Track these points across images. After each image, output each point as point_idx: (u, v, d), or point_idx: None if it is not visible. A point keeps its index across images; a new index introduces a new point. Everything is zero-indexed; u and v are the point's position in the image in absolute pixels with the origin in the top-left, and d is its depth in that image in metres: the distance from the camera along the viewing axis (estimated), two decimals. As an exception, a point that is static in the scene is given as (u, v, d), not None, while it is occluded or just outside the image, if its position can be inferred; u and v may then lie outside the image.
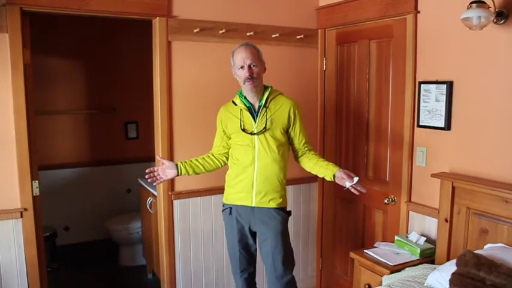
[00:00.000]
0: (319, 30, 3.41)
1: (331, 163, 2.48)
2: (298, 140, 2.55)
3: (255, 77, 2.41)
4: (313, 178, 3.52)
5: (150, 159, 3.56)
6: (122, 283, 3.88)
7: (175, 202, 3.03)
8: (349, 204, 3.30)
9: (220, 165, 2.64)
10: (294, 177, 3.23)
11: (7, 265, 2.59)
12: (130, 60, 4.57)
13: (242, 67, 2.40)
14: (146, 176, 2.51)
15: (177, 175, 2.54)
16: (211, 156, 2.63)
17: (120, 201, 4.63)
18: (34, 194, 2.69)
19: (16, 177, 2.56)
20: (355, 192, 2.34)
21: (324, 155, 3.50)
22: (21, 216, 2.58)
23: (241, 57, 2.40)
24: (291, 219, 3.47)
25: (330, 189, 3.48)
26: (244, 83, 2.42)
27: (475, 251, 1.95)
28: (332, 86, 3.39)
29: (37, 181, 2.72)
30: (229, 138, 2.57)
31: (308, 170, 2.58)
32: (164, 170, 2.53)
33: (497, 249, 2.03)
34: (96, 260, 4.29)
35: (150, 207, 3.48)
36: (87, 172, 4.52)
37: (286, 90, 3.29)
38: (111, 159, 4.57)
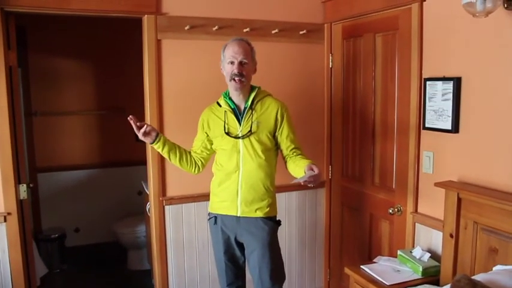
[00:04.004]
0: (326, 25, 3.16)
1: (309, 160, 2.20)
2: (285, 145, 2.32)
3: (244, 75, 2.22)
4: (320, 183, 3.29)
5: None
6: (125, 287, 3.81)
7: (167, 208, 2.89)
8: (356, 212, 3.03)
9: (194, 167, 2.41)
10: (298, 182, 3.02)
11: (-9, 270, 2.55)
12: (139, 61, 4.50)
13: (232, 62, 2.22)
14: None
15: (153, 141, 2.30)
16: (192, 154, 2.43)
17: (130, 203, 4.56)
18: (21, 198, 2.64)
19: (-1, 181, 2.51)
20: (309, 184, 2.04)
21: (330, 160, 3.25)
22: (5, 220, 2.53)
23: (232, 52, 2.22)
24: (295, 226, 3.31)
25: (338, 196, 3.23)
26: (230, 80, 2.23)
27: (474, 276, 1.67)
28: (339, 84, 3.13)
29: (25, 185, 2.67)
30: (211, 143, 2.39)
31: (293, 174, 2.31)
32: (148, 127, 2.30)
33: (504, 273, 1.72)
34: (106, 263, 4.25)
35: (149, 212, 3.37)
36: (97, 174, 4.49)
37: (289, 90, 3.11)
38: (122, 160, 4.51)
